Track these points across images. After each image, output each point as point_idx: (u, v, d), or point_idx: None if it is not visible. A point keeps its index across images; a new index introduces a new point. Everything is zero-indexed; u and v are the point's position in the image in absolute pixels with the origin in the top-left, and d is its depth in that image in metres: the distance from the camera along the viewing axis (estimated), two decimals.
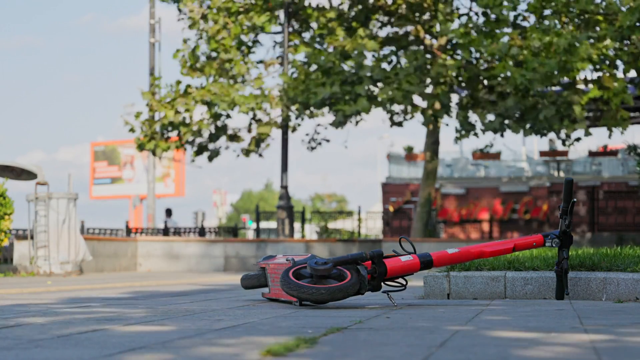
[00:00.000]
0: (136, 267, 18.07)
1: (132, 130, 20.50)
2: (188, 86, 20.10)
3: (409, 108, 20.26)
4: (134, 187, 46.08)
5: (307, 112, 19.92)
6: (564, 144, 20.40)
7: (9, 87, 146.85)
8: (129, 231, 22.19)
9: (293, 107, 19.99)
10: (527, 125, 18.88)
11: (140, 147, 20.43)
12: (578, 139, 20.10)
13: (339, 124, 19.33)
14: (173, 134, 20.62)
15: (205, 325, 3.93)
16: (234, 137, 20.79)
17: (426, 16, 20.06)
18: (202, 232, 23.41)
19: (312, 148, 21.63)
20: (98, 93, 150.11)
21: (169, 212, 25.88)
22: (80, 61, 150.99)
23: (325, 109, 19.84)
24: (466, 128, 19.31)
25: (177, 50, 20.54)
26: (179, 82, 20.23)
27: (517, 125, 18.79)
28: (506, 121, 19.05)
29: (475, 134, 19.63)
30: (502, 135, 19.73)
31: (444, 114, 19.00)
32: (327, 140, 21.60)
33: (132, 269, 17.84)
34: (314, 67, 19.35)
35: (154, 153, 20.75)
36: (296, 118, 20.37)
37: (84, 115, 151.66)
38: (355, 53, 18.51)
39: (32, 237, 14.12)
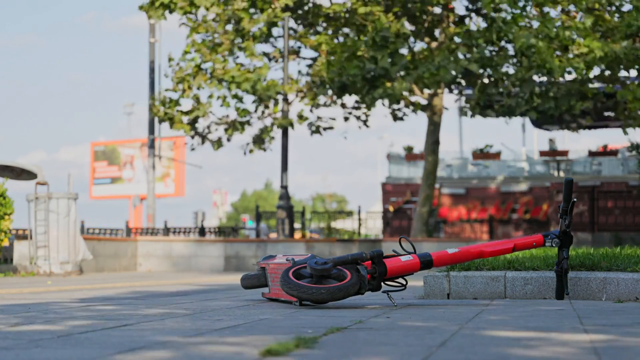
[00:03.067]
0: (136, 267, 18.07)
1: (153, 98, 20.92)
2: (199, 66, 20.36)
3: (411, 107, 20.36)
4: (134, 187, 46.09)
5: (328, 95, 19.95)
6: (569, 128, 20.50)
7: (10, 86, 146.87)
8: (129, 231, 22.19)
9: (305, 98, 20.12)
10: (535, 107, 19.00)
11: (155, 112, 20.87)
12: (581, 126, 20.20)
13: (372, 102, 19.22)
14: (186, 119, 20.89)
15: (205, 325, 3.93)
16: (242, 129, 20.98)
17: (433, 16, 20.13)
18: (202, 232, 23.41)
19: (315, 131, 21.55)
20: (99, 92, 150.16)
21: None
22: (81, 60, 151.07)
23: (339, 97, 19.91)
24: (479, 104, 19.45)
25: (191, 30, 20.57)
26: (194, 60, 20.44)
27: (526, 104, 18.89)
28: (518, 105, 19.11)
29: (482, 114, 19.74)
30: (510, 117, 19.84)
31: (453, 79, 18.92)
32: (331, 128, 21.54)
33: (132, 269, 17.84)
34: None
35: (162, 120, 21.09)
36: (312, 102, 20.36)
37: (85, 115, 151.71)
38: (377, 33, 18.51)
39: (32, 237, 14.12)
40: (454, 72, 18.50)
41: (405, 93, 19.93)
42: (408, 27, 20.47)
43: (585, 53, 17.20)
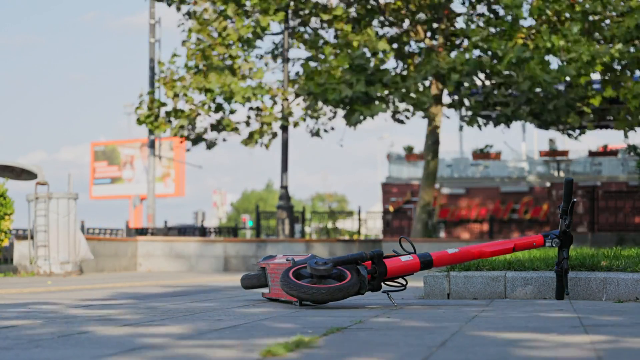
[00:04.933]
0: (136, 267, 18.07)
1: (139, 108, 20.77)
2: (190, 68, 20.33)
3: (412, 108, 20.40)
4: (134, 187, 46.10)
5: (317, 106, 20.05)
6: (569, 136, 20.53)
7: (10, 86, 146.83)
8: (129, 231, 22.19)
9: (300, 102, 20.13)
10: (534, 116, 19.03)
11: (141, 122, 20.76)
12: (583, 132, 20.20)
13: (355, 122, 19.40)
14: (175, 122, 20.80)
15: (205, 325, 3.93)
16: (234, 129, 20.94)
17: (425, 16, 20.13)
18: (202, 232, 23.40)
19: (315, 134, 21.55)
20: (100, 92, 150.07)
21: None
22: (82, 60, 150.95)
23: (333, 109, 19.95)
24: (475, 116, 19.49)
25: (184, 41, 20.58)
26: (188, 67, 20.41)
27: (527, 114, 18.92)
28: (516, 112, 19.11)
29: (479, 126, 19.77)
30: (508, 126, 19.86)
31: (458, 105, 19.04)
32: (332, 128, 21.57)
33: (132, 269, 17.84)
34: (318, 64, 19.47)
35: (152, 132, 21.00)
36: (305, 112, 20.41)
37: (85, 115, 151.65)
38: (365, 50, 18.62)
39: (32, 237, 14.12)
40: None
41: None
42: (390, 30, 20.57)
43: (575, 59, 17.20)
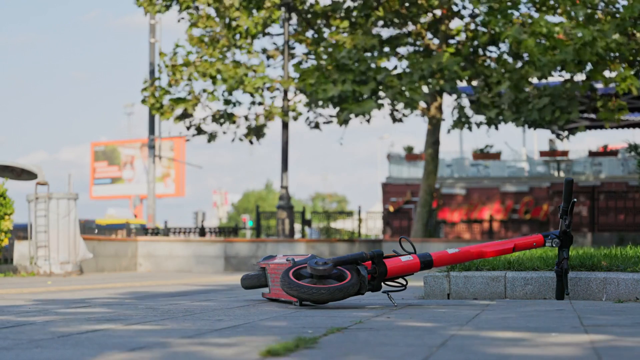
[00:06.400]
0: (136, 267, 18.07)
1: (145, 90, 20.85)
2: (194, 60, 20.39)
3: (403, 106, 20.42)
4: (134, 187, 46.11)
5: (312, 105, 20.13)
6: (558, 137, 20.46)
7: (11, 85, 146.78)
8: (129, 231, 22.17)
9: (302, 97, 20.20)
10: (521, 118, 18.96)
11: (147, 102, 20.85)
12: (573, 132, 20.13)
13: (344, 121, 19.41)
14: (178, 110, 20.87)
15: (205, 325, 3.93)
16: (233, 122, 21.05)
17: (428, 17, 20.11)
18: (202, 232, 23.39)
19: (315, 127, 21.62)
20: (100, 92, 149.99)
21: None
22: (83, 59, 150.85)
23: (330, 106, 20.00)
24: (461, 119, 19.47)
25: (190, 25, 20.60)
26: (189, 53, 20.48)
27: (512, 115, 18.85)
28: (501, 114, 19.06)
29: (469, 127, 19.73)
30: (497, 128, 19.81)
31: (451, 88, 18.98)
32: (330, 122, 21.63)
33: (132, 269, 17.84)
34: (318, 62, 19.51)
35: (152, 110, 21.17)
36: (305, 106, 20.48)
37: (85, 115, 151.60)
38: (355, 51, 18.64)
39: (32, 237, 14.12)
40: (426, 90, 18.65)
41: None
42: (392, 31, 20.56)
43: (574, 42, 17.04)
